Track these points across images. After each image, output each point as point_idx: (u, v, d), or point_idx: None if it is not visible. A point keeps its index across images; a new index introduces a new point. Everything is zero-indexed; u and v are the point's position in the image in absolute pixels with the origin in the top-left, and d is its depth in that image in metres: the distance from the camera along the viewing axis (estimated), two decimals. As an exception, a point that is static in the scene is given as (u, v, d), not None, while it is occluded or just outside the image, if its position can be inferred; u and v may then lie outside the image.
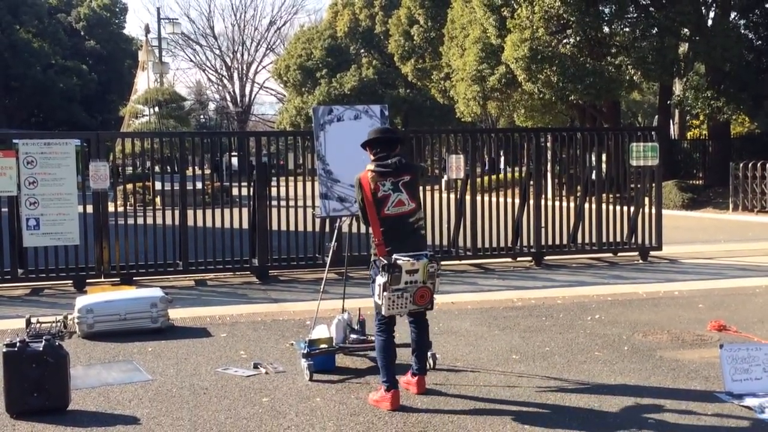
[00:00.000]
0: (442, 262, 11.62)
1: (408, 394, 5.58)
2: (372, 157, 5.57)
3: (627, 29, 24.02)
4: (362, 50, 45.16)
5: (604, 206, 12.39)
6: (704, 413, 5.15)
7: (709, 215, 21.75)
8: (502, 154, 18.06)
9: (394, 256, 5.28)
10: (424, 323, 5.70)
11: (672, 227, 15.78)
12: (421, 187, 6.37)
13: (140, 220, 11.18)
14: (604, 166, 12.98)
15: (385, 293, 5.22)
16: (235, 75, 65.48)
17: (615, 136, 12.73)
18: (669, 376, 6.00)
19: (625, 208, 12.63)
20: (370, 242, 5.68)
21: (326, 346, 6.28)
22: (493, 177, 20.23)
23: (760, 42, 25.03)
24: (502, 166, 21.62)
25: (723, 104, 23.42)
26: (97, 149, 10.48)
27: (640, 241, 12.52)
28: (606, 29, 24.15)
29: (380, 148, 5.54)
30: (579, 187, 12.78)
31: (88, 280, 10.47)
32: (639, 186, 12.78)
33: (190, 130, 35.12)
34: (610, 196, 12.70)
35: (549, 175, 14.31)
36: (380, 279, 5.24)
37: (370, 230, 5.54)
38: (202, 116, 69.02)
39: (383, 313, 5.33)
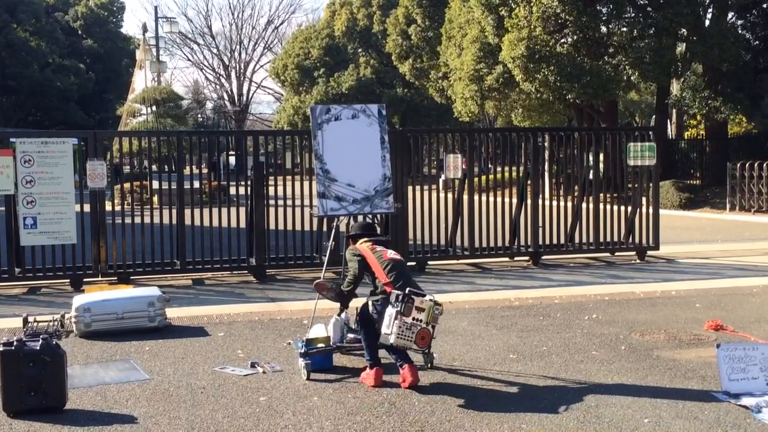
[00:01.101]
0: (440, 262, 11.76)
1: (405, 393, 5.59)
2: (357, 243, 6.27)
3: (625, 29, 24.03)
4: (360, 50, 45.15)
5: (601, 206, 12.39)
6: (701, 413, 5.16)
7: (706, 215, 21.77)
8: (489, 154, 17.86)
9: (408, 289, 5.65)
10: None
11: (669, 227, 15.79)
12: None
13: (137, 219, 11.16)
14: (601, 165, 12.99)
15: (396, 321, 5.52)
16: (233, 74, 65.45)
17: (612, 136, 12.74)
18: (666, 376, 6.01)
19: (623, 208, 12.65)
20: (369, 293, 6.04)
21: (323, 345, 6.29)
22: (490, 177, 20.20)
23: (757, 42, 25.05)
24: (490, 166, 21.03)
25: (720, 104, 23.44)
26: (95, 148, 10.47)
27: (637, 240, 12.54)
28: (603, 29, 24.15)
29: (363, 237, 6.32)
30: (576, 187, 12.79)
31: (85, 279, 10.46)
32: (636, 186, 12.79)
33: (187, 129, 35.06)
34: (608, 195, 12.70)
35: (546, 174, 14.32)
36: (391, 309, 5.58)
37: (376, 281, 5.96)
38: (199, 115, 68.93)
39: (391, 341, 5.60)
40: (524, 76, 22.92)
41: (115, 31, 60.65)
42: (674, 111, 32.36)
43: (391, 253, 6.11)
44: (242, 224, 11.42)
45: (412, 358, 5.84)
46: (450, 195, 12.12)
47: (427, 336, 5.63)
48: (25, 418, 5.18)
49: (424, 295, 5.68)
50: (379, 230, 6.91)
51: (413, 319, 5.57)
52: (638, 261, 12.26)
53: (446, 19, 29.86)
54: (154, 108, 35.93)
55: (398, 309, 5.55)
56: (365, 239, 6.28)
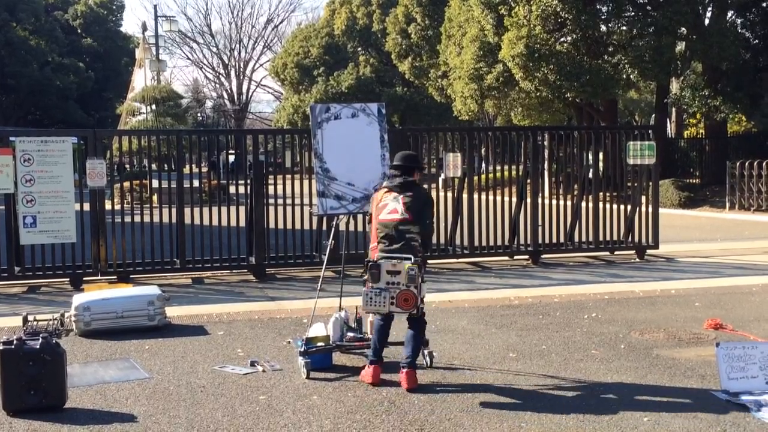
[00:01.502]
0: (440, 260, 11.75)
1: (405, 392, 5.59)
2: (384, 182, 6.20)
3: (624, 28, 24.03)
4: (359, 48, 45.13)
5: (601, 205, 12.40)
6: (700, 411, 5.16)
7: (705, 214, 21.78)
8: (483, 153, 17.73)
9: (377, 254, 5.69)
10: (418, 321, 5.86)
11: (669, 226, 15.80)
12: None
13: (137, 218, 11.17)
14: (601, 164, 12.99)
15: (364, 289, 5.63)
16: (233, 73, 65.37)
17: (612, 135, 12.74)
18: (665, 375, 6.01)
19: (622, 207, 12.65)
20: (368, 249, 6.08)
21: (323, 344, 6.29)
22: (489, 176, 20.17)
23: (756, 41, 25.04)
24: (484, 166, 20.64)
25: (720, 103, 23.44)
26: (94, 147, 10.47)
27: (636, 239, 12.54)
28: (603, 28, 24.15)
29: (396, 170, 6.06)
30: (576, 186, 12.79)
31: (85, 278, 10.46)
32: (636, 184, 12.79)
33: (187, 128, 35.05)
34: (607, 194, 12.70)
35: (546, 173, 14.33)
36: (364, 277, 5.70)
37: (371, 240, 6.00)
38: (199, 114, 68.89)
39: (362, 309, 5.76)
40: (524, 75, 22.92)
41: (114, 30, 60.60)
42: (674, 110, 32.38)
43: (389, 212, 5.80)
44: (242, 223, 11.42)
45: (411, 363, 5.81)
46: (450, 194, 12.12)
47: (411, 297, 5.56)
48: (25, 416, 5.19)
49: (398, 259, 5.56)
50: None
51: (387, 283, 5.56)
52: (638, 260, 12.26)
53: (446, 17, 29.85)
54: (153, 107, 35.91)
55: (365, 277, 5.61)
56: (385, 186, 5.99)
